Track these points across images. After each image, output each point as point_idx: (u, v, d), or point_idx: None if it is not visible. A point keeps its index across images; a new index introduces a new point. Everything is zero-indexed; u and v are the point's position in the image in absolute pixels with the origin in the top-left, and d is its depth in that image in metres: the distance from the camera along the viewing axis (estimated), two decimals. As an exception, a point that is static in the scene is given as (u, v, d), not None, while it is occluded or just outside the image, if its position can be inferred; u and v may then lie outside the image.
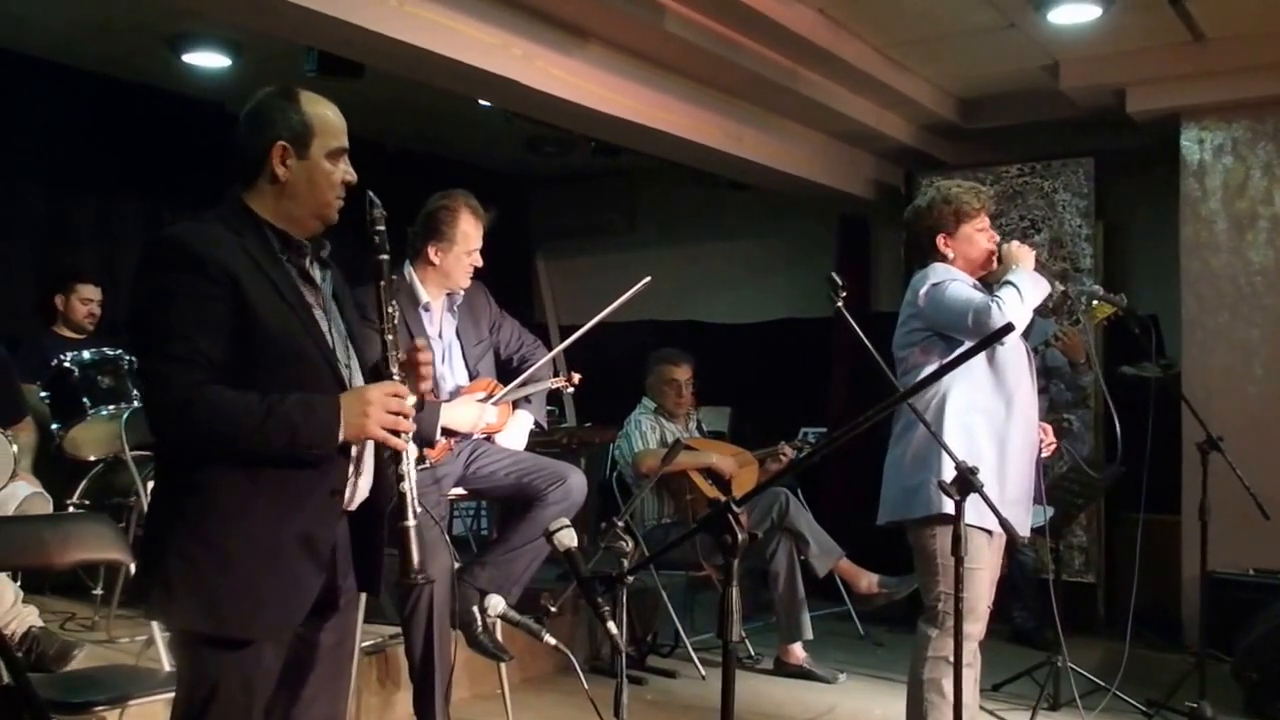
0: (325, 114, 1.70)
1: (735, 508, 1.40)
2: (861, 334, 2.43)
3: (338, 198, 1.69)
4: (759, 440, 4.39)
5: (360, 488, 1.70)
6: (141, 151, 4.79)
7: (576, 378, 3.02)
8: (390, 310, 1.69)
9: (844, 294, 2.48)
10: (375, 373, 1.74)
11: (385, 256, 1.71)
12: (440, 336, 2.88)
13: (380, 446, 1.69)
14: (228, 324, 1.57)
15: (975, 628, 2.46)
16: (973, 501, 2.21)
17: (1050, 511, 3.46)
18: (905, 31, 4.16)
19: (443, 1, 3.32)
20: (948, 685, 2.38)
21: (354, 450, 1.66)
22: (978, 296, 2.44)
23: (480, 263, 2.83)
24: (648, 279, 2.82)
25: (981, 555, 2.43)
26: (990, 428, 2.44)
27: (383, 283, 1.70)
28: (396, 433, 1.61)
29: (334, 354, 1.67)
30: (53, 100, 4.47)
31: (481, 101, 4.37)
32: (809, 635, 3.91)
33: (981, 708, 3.42)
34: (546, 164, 5.99)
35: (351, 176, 1.71)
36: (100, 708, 2.11)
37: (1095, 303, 3.67)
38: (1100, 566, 4.83)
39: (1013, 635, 4.41)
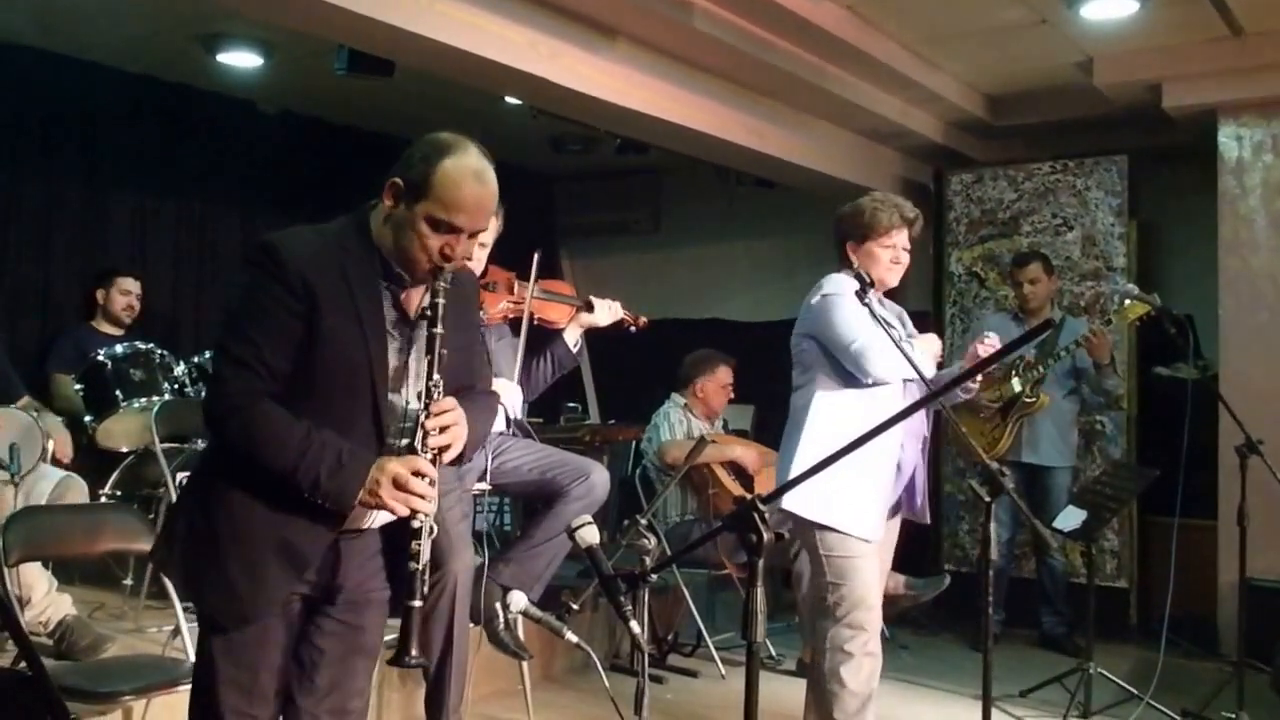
0: (453, 183, 1.61)
1: (760, 505, 1.38)
2: (888, 331, 2.42)
3: (428, 262, 1.62)
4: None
5: (380, 511, 1.70)
6: (176, 149, 4.86)
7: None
8: (435, 380, 1.64)
9: (872, 290, 2.47)
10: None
11: (438, 330, 1.64)
12: None
13: None
14: (297, 335, 1.59)
15: (868, 616, 2.51)
16: (844, 509, 2.45)
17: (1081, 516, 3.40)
18: (934, 28, 4.11)
19: (471, -1, 3.33)
20: (846, 673, 2.49)
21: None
22: (861, 338, 2.48)
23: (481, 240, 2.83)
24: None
25: (858, 547, 2.50)
26: (850, 430, 2.43)
27: (430, 355, 1.65)
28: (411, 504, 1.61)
29: (384, 383, 1.64)
30: (91, 99, 4.54)
31: (508, 99, 4.38)
32: (833, 637, 3.88)
33: (1010, 713, 3.38)
34: (571, 162, 5.99)
35: (452, 254, 1.63)
36: (126, 697, 2.15)
37: (1127, 302, 3.60)
38: (1133, 571, 4.74)
39: (1041, 640, 4.35)
